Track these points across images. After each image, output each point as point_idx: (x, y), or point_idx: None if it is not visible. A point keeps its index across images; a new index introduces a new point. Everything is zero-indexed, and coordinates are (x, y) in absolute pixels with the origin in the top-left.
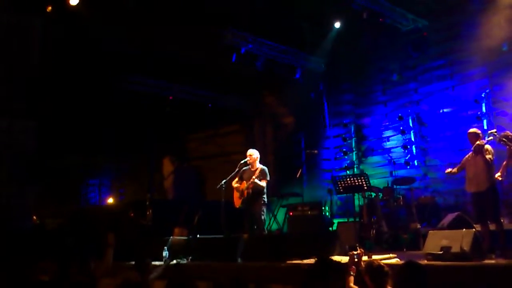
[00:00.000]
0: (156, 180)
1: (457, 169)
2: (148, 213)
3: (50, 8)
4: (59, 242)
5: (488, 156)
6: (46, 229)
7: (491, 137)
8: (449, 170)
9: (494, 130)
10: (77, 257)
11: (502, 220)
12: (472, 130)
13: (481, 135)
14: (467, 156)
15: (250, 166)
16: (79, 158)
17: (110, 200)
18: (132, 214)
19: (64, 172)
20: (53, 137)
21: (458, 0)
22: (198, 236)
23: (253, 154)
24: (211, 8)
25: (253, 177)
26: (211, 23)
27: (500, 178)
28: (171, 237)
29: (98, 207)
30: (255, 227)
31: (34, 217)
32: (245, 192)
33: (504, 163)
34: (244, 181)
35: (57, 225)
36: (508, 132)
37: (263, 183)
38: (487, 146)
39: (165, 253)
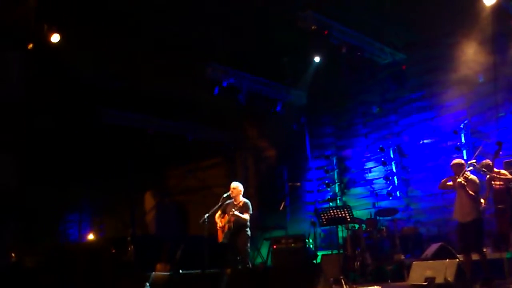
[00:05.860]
0: (137, 215)
1: (447, 182)
2: (129, 249)
3: (31, 45)
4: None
5: (471, 191)
6: (24, 267)
7: (471, 167)
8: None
9: (474, 161)
10: None
11: (485, 251)
12: (455, 161)
13: (464, 165)
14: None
15: (233, 199)
16: (59, 194)
17: (91, 236)
18: (113, 251)
19: (42, 208)
20: (31, 171)
21: (434, 34)
22: (180, 271)
23: (237, 187)
24: (192, 42)
25: (233, 209)
26: (192, 57)
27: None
28: (153, 272)
29: (78, 244)
30: (239, 258)
31: (12, 254)
32: (226, 226)
33: (486, 194)
34: (226, 215)
35: (36, 262)
36: (488, 160)
37: (245, 216)
38: (472, 177)
39: None
